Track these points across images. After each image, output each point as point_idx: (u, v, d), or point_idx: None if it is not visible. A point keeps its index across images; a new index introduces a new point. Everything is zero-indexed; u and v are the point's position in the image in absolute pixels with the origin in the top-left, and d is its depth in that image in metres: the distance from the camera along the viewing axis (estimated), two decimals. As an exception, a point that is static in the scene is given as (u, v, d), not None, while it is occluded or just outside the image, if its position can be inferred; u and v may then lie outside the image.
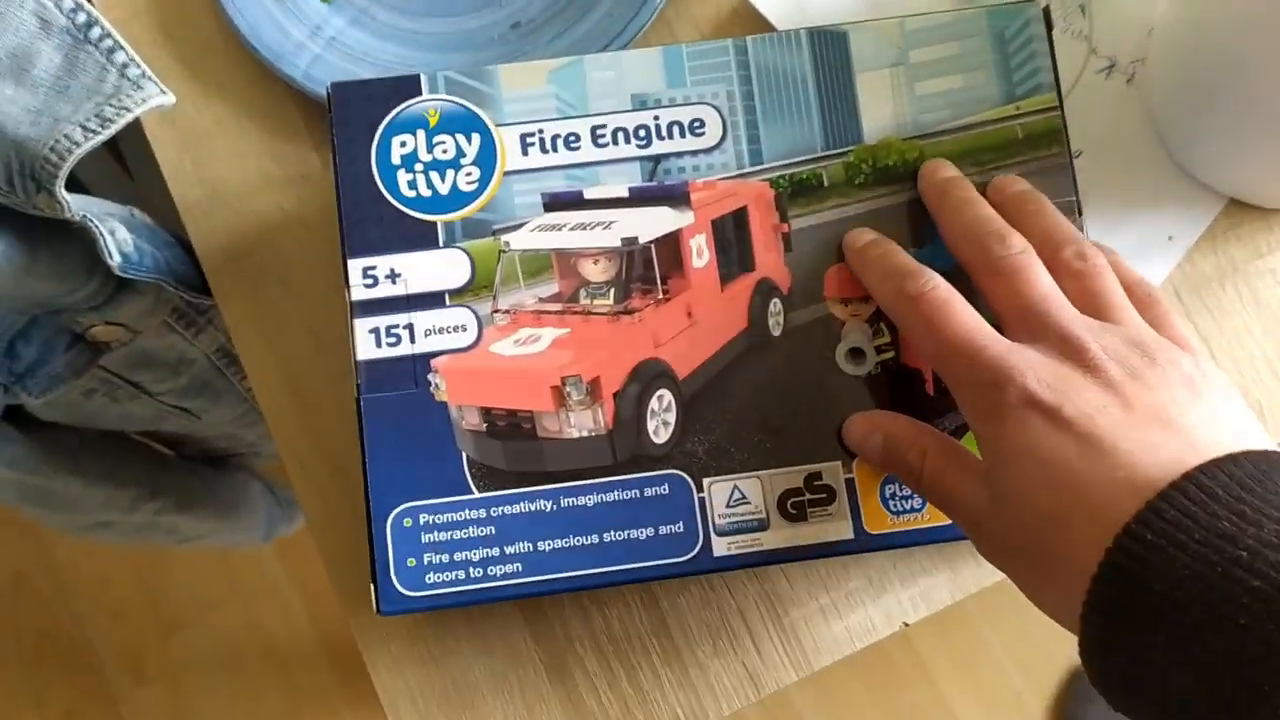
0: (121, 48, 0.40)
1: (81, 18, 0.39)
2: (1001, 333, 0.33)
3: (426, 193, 0.39)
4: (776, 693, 0.44)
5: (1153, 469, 0.28)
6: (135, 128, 0.49)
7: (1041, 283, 0.34)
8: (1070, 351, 0.31)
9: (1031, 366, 0.31)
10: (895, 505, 0.38)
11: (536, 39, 0.49)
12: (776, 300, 0.39)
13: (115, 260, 0.45)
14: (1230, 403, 0.31)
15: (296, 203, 0.48)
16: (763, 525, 0.38)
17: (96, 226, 0.44)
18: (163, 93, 0.40)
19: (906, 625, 0.44)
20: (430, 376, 0.38)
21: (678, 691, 0.44)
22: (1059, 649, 1.18)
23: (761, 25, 0.49)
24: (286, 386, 0.46)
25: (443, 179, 0.39)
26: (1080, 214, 0.39)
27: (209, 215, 0.48)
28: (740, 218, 0.40)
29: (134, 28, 0.50)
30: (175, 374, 0.62)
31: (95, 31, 0.40)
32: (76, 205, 0.42)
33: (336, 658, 1.30)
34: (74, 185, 0.43)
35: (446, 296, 0.39)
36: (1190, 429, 0.29)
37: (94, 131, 0.39)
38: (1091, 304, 0.33)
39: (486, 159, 0.40)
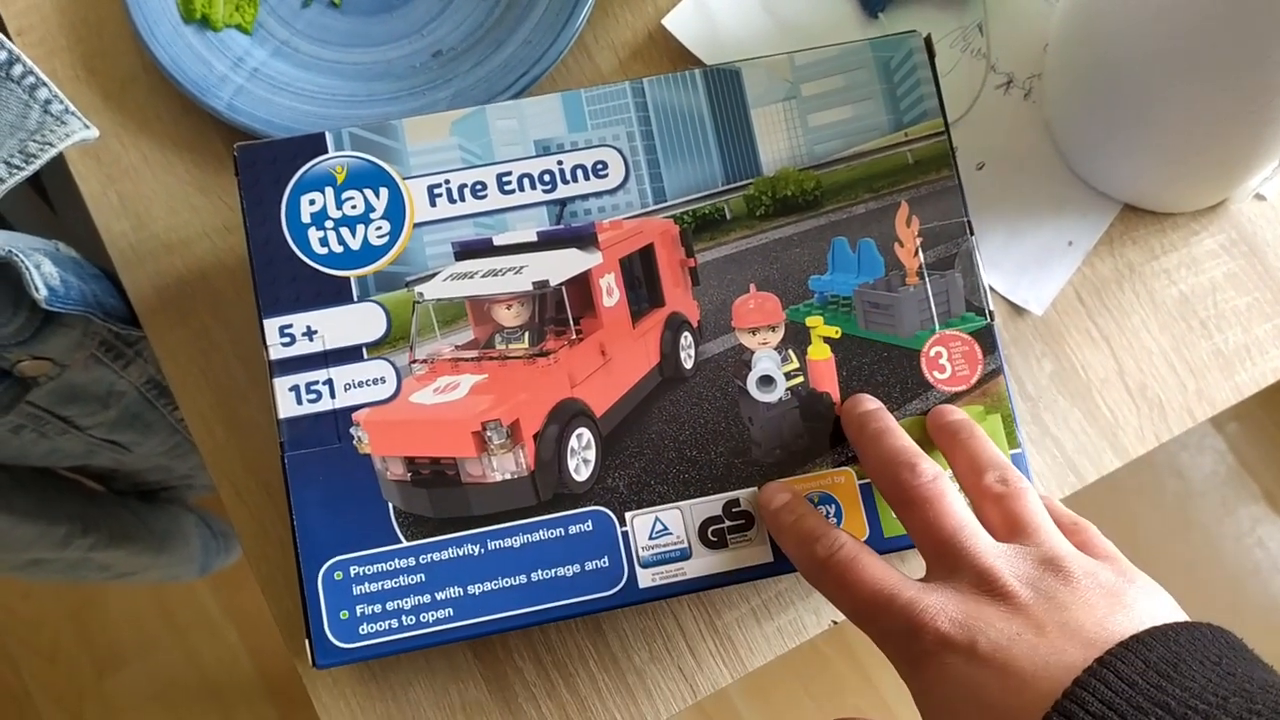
0: (44, 84, 0.40)
1: (2, 56, 0.39)
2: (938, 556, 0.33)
3: (338, 249, 0.40)
4: (717, 696, 0.45)
5: (1067, 680, 0.28)
6: (59, 163, 0.49)
7: (952, 513, 0.33)
8: (983, 583, 0.31)
9: (943, 607, 0.31)
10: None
11: (457, 66, 0.50)
12: (687, 334, 0.40)
13: (42, 294, 0.45)
14: (1154, 600, 0.31)
15: (224, 232, 0.49)
16: (685, 555, 0.39)
17: (22, 261, 0.44)
18: (86, 127, 0.40)
19: (835, 623, 0.45)
20: (353, 430, 0.39)
21: (616, 697, 0.45)
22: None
23: (679, 50, 0.50)
24: (219, 415, 0.47)
25: (353, 234, 0.40)
26: (972, 232, 0.41)
27: (135, 247, 0.49)
28: (647, 255, 0.41)
29: (55, 64, 0.50)
30: (105, 407, 0.61)
31: (17, 69, 0.40)
32: (1, 241, 0.42)
33: (274, 690, 1.29)
34: (-2, 221, 0.43)
35: (364, 350, 0.40)
36: (1110, 636, 0.29)
37: (18, 168, 0.39)
38: (1011, 526, 0.33)
39: (396, 212, 0.40)
